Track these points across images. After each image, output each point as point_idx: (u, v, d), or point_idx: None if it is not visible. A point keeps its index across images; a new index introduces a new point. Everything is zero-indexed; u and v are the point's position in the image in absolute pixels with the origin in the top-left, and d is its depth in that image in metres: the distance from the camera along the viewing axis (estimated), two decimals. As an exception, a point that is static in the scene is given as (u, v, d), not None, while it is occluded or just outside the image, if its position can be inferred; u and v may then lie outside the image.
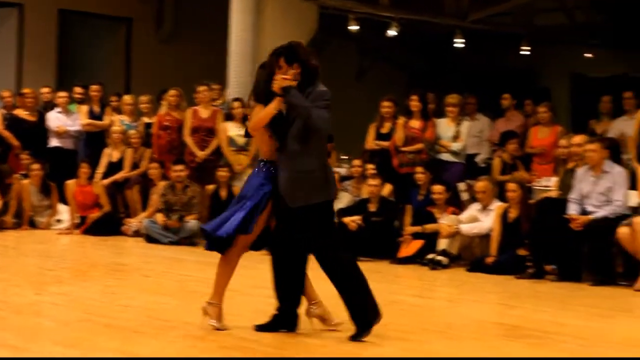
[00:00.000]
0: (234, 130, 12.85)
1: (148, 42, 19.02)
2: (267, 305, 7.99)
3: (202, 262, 10.81)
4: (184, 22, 19.05)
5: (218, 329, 6.47)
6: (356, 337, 6.27)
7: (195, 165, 12.92)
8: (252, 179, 6.47)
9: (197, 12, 18.68)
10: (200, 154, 12.92)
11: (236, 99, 13.09)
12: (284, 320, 6.53)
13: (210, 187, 12.65)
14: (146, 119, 13.83)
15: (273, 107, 6.29)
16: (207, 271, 10.20)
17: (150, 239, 12.23)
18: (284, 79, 6.23)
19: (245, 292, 8.91)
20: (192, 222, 12.26)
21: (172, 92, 13.43)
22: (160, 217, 12.30)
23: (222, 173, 12.54)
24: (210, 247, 6.71)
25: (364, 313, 6.32)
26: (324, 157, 6.55)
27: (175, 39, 19.14)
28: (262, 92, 6.42)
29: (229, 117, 13.01)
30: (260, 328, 6.52)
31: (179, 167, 12.48)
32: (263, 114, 6.34)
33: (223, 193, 12.54)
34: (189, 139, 13.02)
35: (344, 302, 6.37)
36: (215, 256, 10.68)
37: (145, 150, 13.58)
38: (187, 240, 12.19)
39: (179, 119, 13.23)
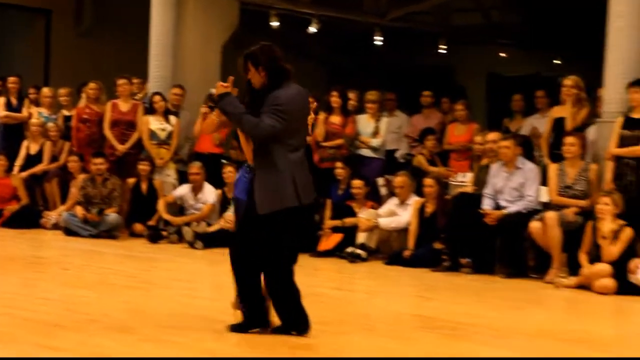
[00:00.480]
0: (154, 123, 12.75)
1: (67, 36, 18.73)
2: (185, 297, 8.04)
3: (121, 255, 10.77)
4: (104, 16, 18.81)
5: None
6: (277, 329, 6.32)
7: (115, 159, 12.78)
8: (239, 182, 6.57)
9: (117, 6, 18.45)
10: (121, 148, 12.80)
11: (156, 93, 12.99)
12: (255, 320, 6.39)
13: (131, 180, 12.54)
14: (65, 112, 13.65)
15: (215, 115, 6.34)
16: (127, 264, 10.23)
17: (70, 232, 12.08)
18: (220, 85, 6.20)
19: (164, 285, 8.92)
20: (111, 215, 12.15)
21: (91, 85, 13.26)
22: (79, 210, 12.16)
23: (143, 167, 12.44)
24: None
25: (292, 324, 6.33)
26: (293, 164, 6.25)
27: (95, 32, 18.87)
28: (239, 96, 6.31)
29: (150, 110, 12.90)
30: (234, 328, 6.37)
31: (99, 160, 12.35)
32: (208, 122, 6.43)
33: (144, 186, 12.46)
34: (108, 133, 12.89)
35: (275, 309, 6.33)
36: (133, 249, 10.66)
37: (65, 143, 13.42)
38: (107, 233, 12.07)
39: (98, 112, 13.09)
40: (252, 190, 6.21)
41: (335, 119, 12.00)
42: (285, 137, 6.14)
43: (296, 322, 6.31)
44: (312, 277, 9.51)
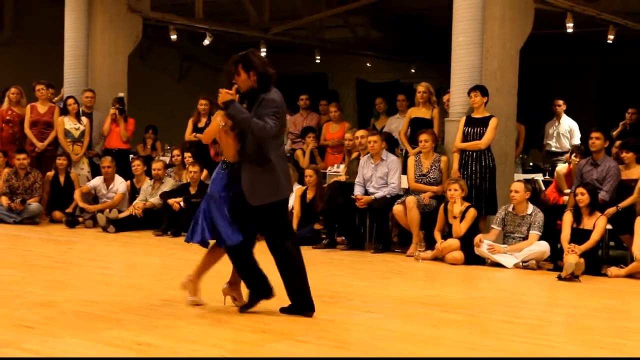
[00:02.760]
0: (69, 123, 12.47)
1: (-11, 45, 18.15)
2: (100, 274, 7.86)
3: (42, 239, 10.47)
4: (23, 28, 18.26)
5: (197, 304, 6.21)
6: (244, 307, 6.17)
7: (36, 155, 12.50)
8: (218, 181, 6.07)
9: (35, 19, 17.95)
10: (40, 145, 12.48)
11: (70, 97, 12.70)
12: (261, 293, 6.19)
13: (50, 173, 12.23)
14: (-10, 114, 13.19)
15: (218, 120, 5.95)
16: (47, 246, 9.96)
17: (-4, 220, 11.72)
18: (226, 93, 5.83)
19: (81, 264, 8.71)
20: (33, 204, 11.81)
21: (12, 89, 12.90)
22: (4, 200, 11.78)
23: (61, 161, 12.16)
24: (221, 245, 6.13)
25: (300, 296, 6.13)
26: (281, 159, 6.13)
27: (15, 42, 18.31)
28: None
29: (65, 112, 12.60)
30: (243, 308, 6.16)
31: (22, 155, 12.01)
32: (212, 126, 6.04)
33: (61, 178, 12.16)
34: (28, 132, 12.55)
35: (285, 286, 6.15)
36: (53, 233, 10.38)
37: (-11, 142, 12.98)
38: (29, 220, 11.74)
39: (20, 114, 12.74)
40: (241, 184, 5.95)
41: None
42: (277, 135, 6.00)
43: (301, 293, 6.15)
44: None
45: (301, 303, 6.13)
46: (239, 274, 6.25)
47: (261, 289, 6.19)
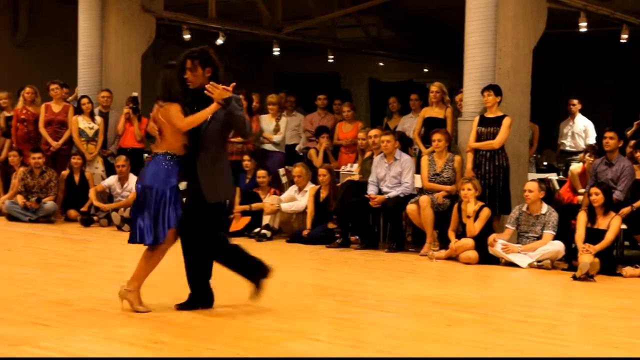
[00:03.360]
0: (83, 123, 12.51)
1: (5, 46, 18.21)
2: (114, 273, 7.87)
3: (57, 238, 10.52)
4: (37, 29, 18.36)
5: (139, 312, 5.93)
6: (254, 294, 6.16)
7: (51, 154, 12.54)
8: (160, 172, 5.87)
9: (49, 20, 18.05)
10: (55, 144, 12.53)
11: (84, 96, 12.76)
12: (199, 299, 6.14)
13: (65, 172, 12.29)
14: (6, 113, 13.26)
15: (209, 112, 5.82)
16: (62, 245, 10.00)
17: (12, 218, 11.78)
18: (224, 89, 5.78)
19: (95, 262, 8.73)
20: (49, 203, 11.88)
21: (27, 89, 12.96)
22: (20, 199, 11.86)
23: (75, 160, 12.22)
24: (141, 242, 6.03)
25: (252, 273, 6.16)
26: (228, 157, 6.23)
27: (29, 43, 18.40)
28: (178, 92, 5.90)
29: (79, 111, 12.65)
30: (181, 307, 6.07)
31: (37, 154, 12.08)
32: (198, 116, 5.82)
33: (76, 177, 12.22)
34: (43, 131, 12.60)
35: (236, 272, 6.19)
36: (68, 231, 10.42)
37: (6, 140, 13.05)
38: (45, 218, 11.81)
39: (34, 113, 12.81)
40: (196, 181, 5.88)
41: (242, 118, 11.88)
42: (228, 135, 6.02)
43: (250, 270, 6.20)
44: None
45: (203, 294, 6.12)
46: (235, 271, 6.20)
47: (259, 272, 6.19)
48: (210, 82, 5.84)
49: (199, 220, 5.97)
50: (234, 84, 5.92)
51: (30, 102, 12.89)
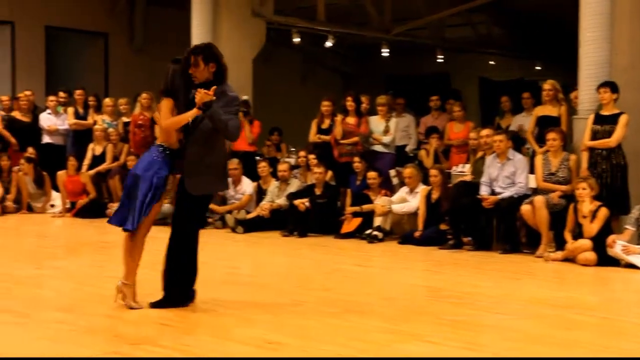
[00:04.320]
0: (198, 127, 12.75)
1: (122, 53, 18.83)
2: (229, 274, 8.02)
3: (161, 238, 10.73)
4: (153, 36, 18.91)
5: (133, 308, 6.05)
6: (156, 305, 6.13)
7: (167, 158, 12.82)
8: (152, 162, 6.03)
9: (163, 27, 18.55)
10: (170, 148, 12.82)
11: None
12: (180, 298, 6.19)
13: (179, 175, 12.51)
14: (125, 119, 13.71)
15: (190, 115, 5.94)
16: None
17: (130, 220, 12.08)
18: (206, 93, 5.86)
19: (211, 264, 8.88)
20: (165, 206, 12.07)
21: (144, 95, 13.30)
22: (137, 202, 12.15)
23: (191, 164, 12.47)
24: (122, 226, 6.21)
25: (179, 286, 6.18)
26: (224, 153, 6.37)
27: (145, 50, 18.97)
28: (174, 88, 6.06)
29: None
30: (155, 305, 6.13)
31: (153, 159, 12.36)
32: (178, 119, 5.97)
33: (191, 180, 12.47)
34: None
35: (165, 274, 6.23)
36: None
37: (124, 145, 13.46)
38: (161, 220, 11.90)
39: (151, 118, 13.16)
40: (182, 174, 6.05)
41: (351, 120, 11.91)
42: None
43: (178, 286, 6.22)
44: (337, 255, 9.49)
45: (176, 294, 6.15)
46: (174, 266, 6.21)
47: (183, 295, 6.19)
48: (202, 90, 5.89)
49: (182, 212, 6.15)
50: (214, 87, 5.95)
51: (146, 107, 13.22)
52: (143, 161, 6.10)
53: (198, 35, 13.51)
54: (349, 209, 11.00)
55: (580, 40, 9.96)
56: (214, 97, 5.90)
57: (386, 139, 12.05)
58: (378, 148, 12.09)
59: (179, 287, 6.19)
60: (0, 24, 17.21)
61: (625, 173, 9.44)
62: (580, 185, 8.99)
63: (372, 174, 11.09)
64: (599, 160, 9.47)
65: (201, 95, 5.87)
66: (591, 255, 8.75)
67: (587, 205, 8.93)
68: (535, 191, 9.83)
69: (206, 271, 8.18)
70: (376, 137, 12.07)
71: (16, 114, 14.15)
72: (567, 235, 9.09)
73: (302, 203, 11.09)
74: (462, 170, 11.06)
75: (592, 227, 8.87)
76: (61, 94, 14.34)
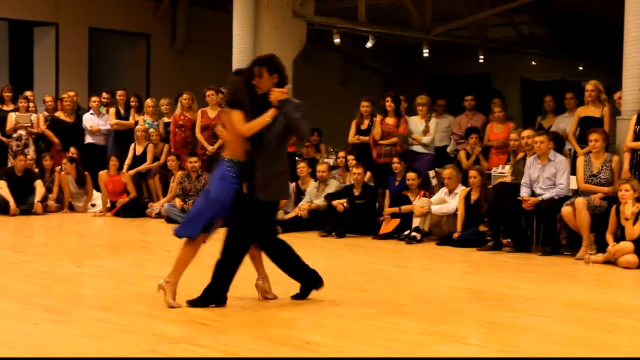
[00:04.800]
0: (237, 127, 12.83)
1: (164, 54, 19.00)
2: (269, 275, 8.04)
3: (214, 240, 10.73)
4: (194, 37, 19.05)
5: (172, 307, 6.11)
6: (297, 297, 6.46)
7: (207, 158, 12.90)
8: (223, 177, 6.12)
9: (205, 29, 18.69)
10: (210, 148, 12.90)
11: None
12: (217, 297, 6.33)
13: (220, 175, 12.63)
14: (165, 119, 13.83)
15: (269, 116, 6.07)
16: (218, 247, 10.20)
17: (170, 220, 12.17)
18: (281, 92, 6.06)
19: (250, 264, 8.91)
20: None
21: (185, 95, 13.42)
22: (178, 202, 12.27)
23: (230, 164, 12.55)
24: (179, 234, 6.34)
25: (305, 275, 6.48)
26: (287, 162, 6.52)
27: (186, 51, 19.13)
28: (241, 99, 6.12)
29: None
30: (192, 303, 6.23)
31: (193, 158, 12.45)
32: (258, 122, 6.06)
33: (233, 181, 12.56)
34: (199, 136, 13.02)
35: (288, 273, 6.52)
36: (223, 233, 10.65)
37: (164, 145, 13.58)
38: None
39: (191, 119, 13.24)
40: (252, 181, 6.13)
41: (390, 120, 11.89)
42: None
43: (304, 275, 6.53)
44: (375, 256, 9.48)
45: (309, 280, 6.45)
46: (284, 270, 6.49)
47: (312, 281, 6.48)
48: (276, 89, 6.10)
49: (247, 217, 6.22)
50: (288, 85, 6.16)
51: (187, 108, 13.34)
52: (215, 176, 6.22)
53: (239, 36, 13.57)
54: (388, 210, 10.98)
55: (624, 39, 9.86)
56: (288, 95, 6.13)
57: (425, 139, 12.00)
58: (417, 148, 12.05)
59: (218, 288, 6.27)
60: (45, 25, 17.47)
61: (669, 175, 9.32)
62: (623, 186, 8.89)
63: (411, 175, 11.05)
64: (642, 161, 9.37)
65: (277, 94, 6.07)
66: (633, 258, 8.63)
67: (629, 207, 8.83)
68: (577, 193, 9.74)
69: (244, 271, 8.24)
70: (415, 138, 12.03)
71: (60, 115, 14.35)
72: (609, 238, 8.99)
73: (341, 204, 11.09)
74: (502, 172, 10.98)
75: (634, 230, 8.76)
76: (104, 94, 14.51)
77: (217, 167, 6.31)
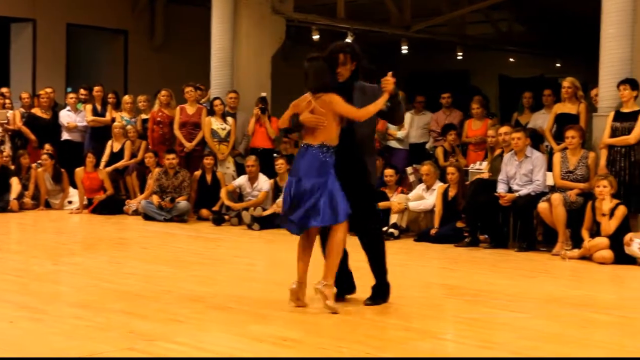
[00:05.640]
0: (215, 124, 12.80)
1: (142, 51, 18.90)
2: (245, 271, 8.04)
3: (190, 236, 10.79)
4: (173, 34, 18.98)
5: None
6: (370, 302, 6.23)
7: (184, 154, 12.87)
8: (323, 164, 5.90)
9: (183, 25, 18.61)
10: (188, 145, 12.86)
11: (216, 98, 13.05)
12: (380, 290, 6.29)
13: (198, 172, 12.60)
14: (143, 116, 13.75)
15: (382, 102, 6.02)
16: (195, 243, 10.25)
17: (147, 217, 12.15)
18: (393, 80, 6.08)
19: (227, 261, 8.92)
20: (182, 203, 12.19)
21: (163, 92, 13.35)
22: (155, 199, 12.21)
23: (208, 161, 12.52)
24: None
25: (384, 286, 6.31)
26: None
27: (165, 48, 19.05)
28: (332, 83, 5.99)
29: (211, 112, 12.95)
30: (369, 301, 6.19)
31: (171, 155, 12.41)
32: (374, 107, 5.98)
33: (208, 177, 12.51)
34: (178, 132, 12.96)
35: (375, 270, 6.31)
36: (200, 230, 10.67)
37: (142, 142, 13.51)
38: (178, 217, 12.13)
39: (169, 115, 13.17)
40: (361, 166, 6.07)
41: (369, 117, 11.88)
42: None
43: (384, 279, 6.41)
44: (354, 253, 9.32)
45: (383, 286, 6.30)
46: (370, 261, 6.34)
47: (349, 285, 6.36)
48: (387, 76, 6.10)
49: (371, 204, 6.29)
50: (391, 72, 6.15)
51: (165, 104, 13.28)
52: (306, 165, 5.94)
53: (218, 32, 13.54)
54: (365, 206, 10.98)
55: (601, 36, 9.92)
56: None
57: (400, 133, 12.03)
58: (392, 144, 12.09)
59: (384, 280, 6.31)
60: (22, 21, 17.35)
61: (644, 171, 9.40)
62: (601, 182, 8.95)
63: (389, 172, 11.08)
64: (618, 157, 9.45)
65: (391, 82, 6.09)
66: (608, 254, 8.70)
67: (607, 203, 8.89)
68: (553, 189, 9.80)
69: (222, 268, 8.25)
70: (391, 132, 12.05)
71: (36, 111, 14.23)
72: (585, 233, 9.06)
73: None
74: (480, 168, 11.02)
75: (610, 225, 8.82)
76: (81, 91, 14.41)
77: (303, 155, 6.00)
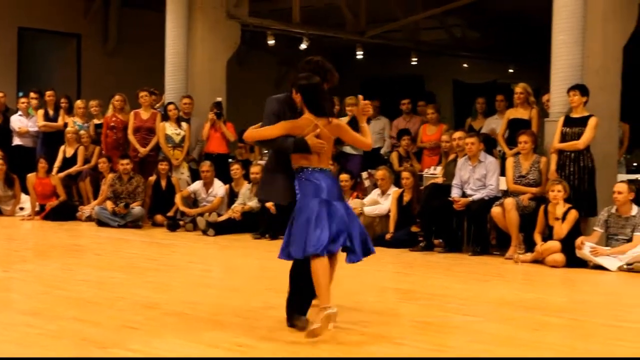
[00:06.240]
0: (170, 129, 12.73)
1: (95, 55, 18.73)
2: (200, 277, 8.01)
3: (145, 242, 10.72)
4: (126, 38, 18.85)
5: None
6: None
7: (138, 160, 12.77)
8: (335, 187, 5.83)
9: (137, 29, 18.49)
10: (142, 150, 12.77)
11: (170, 103, 12.98)
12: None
13: (152, 178, 12.51)
14: (96, 121, 13.63)
15: (317, 132, 5.70)
16: (150, 249, 10.19)
17: (101, 223, 12.04)
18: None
19: (182, 267, 8.88)
20: (136, 208, 12.11)
21: (117, 97, 13.25)
22: (109, 204, 12.11)
23: (162, 166, 12.43)
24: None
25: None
26: None
27: (118, 52, 18.90)
28: (327, 106, 5.83)
29: (166, 118, 12.88)
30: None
31: (125, 161, 12.32)
32: (367, 132, 5.92)
33: (163, 183, 12.44)
34: (132, 137, 12.87)
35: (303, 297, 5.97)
36: (155, 236, 10.59)
37: (95, 147, 13.39)
38: (132, 223, 12.04)
39: (123, 120, 13.07)
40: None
41: (324, 122, 11.91)
42: None
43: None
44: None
45: (296, 304, 5.86)
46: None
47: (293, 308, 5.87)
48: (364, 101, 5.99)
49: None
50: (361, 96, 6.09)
51: (119, 109, 13.18)
52: (339, 191, 5.96)
53: (172, 37, 13.48)
54: (321, 212, 11.00)
55: (552, 43, 10.06)
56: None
57: (356, 140, 12.04)
58: (347, 149, 12.11)
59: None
60: (-28, 25, 17.11)
61: (593, 176, 9.55)
62: (556, 187, 9.08)
63: (344, 177, 11.10)
64: (567, 162, 9.58)
65: (370, 106, 6.02)
66: (560, 257, 8.83)
67: (560, 207, 9.02)
68: (506, 193, 9.91)
69: (177, 274, 8.20)
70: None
71: (-15, 116, 14.04)
72: (537, 237, 9.18)
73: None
74: (434, 173, 11.11)
75: (562, 229, 8.95)
76: (32, 94, 14.26)
77: (333, 179, 5.87)
